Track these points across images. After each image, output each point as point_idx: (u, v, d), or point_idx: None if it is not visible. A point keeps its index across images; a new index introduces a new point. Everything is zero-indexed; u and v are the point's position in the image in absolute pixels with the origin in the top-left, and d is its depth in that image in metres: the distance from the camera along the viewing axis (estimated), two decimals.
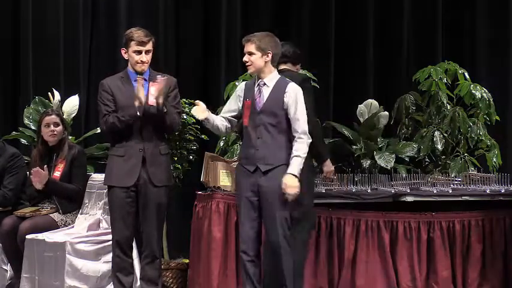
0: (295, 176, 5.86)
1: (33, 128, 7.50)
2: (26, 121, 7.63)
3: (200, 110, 6.01)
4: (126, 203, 6.03)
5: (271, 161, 5.91)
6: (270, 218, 5.91)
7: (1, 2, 8.37)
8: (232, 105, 6.13)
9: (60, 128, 6.90)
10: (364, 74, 9.26)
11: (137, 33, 6.06)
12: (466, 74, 7.92)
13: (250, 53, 5.97)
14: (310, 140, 5.99)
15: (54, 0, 8.45)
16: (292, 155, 5.89)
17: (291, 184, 5.85)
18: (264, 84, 6.00)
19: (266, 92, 5.99)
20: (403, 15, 9.36)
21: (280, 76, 6.08)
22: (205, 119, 6.01)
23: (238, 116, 6.11)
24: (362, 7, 9.28)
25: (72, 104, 7.63)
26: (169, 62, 8.64)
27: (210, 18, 8.91)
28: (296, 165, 5.87)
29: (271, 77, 6.02)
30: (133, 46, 6.04)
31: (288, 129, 5.95)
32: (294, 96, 5.96)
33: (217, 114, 7.40)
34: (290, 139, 5.95)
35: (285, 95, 5.95)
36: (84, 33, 8.53)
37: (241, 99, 6.05)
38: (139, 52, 6.04)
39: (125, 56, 6.10)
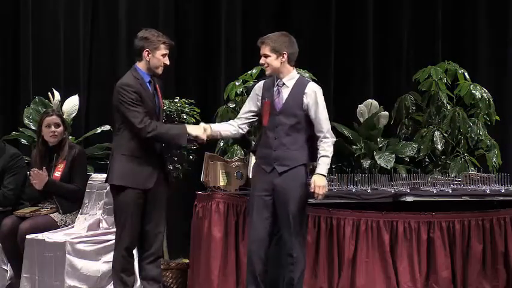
0: (324, 175, 5.89)
1: (33, 128, 7.50)
2: (26, 121, 7.63)
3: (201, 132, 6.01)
4: (139, 205, 5.96)
5: (287, 162, 5.93)
6: (284, 219, 5.92)
7: (1, 2, 8.37)
8: (252, 105, 6.12)
9: (61, 128, 6.90)
10: (364, 74, 9.27)
11: (164, 36, 6.05)
12: (466, 74, 7.92)
13: (266, 55, 5.99)
14: (335, 139, 6.02)
15: (54, 0, 8.45)
16: (319, 155, 5.92)
17: (319, 184, 5.87)
18: (283, 84, 6.01)
19: (285, 92, 5.99)
20: (403, 15, 9.36)
21: (299, 75, 6.09)
22: (210, 136, 6.01)
23: (259, 115, 6.11)
24: (362, 7, 9.28)
25: (72, 104, 7.63)
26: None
27: (210, 18, 8.91)
28: (324, 165, 5.90)
29: (290, 77, 6.02)
30: (163, 49, 6.01)
31: (307, 129, 5.97)
32: (314, 97, 5.97)
33: (217, 115, 7.44)
34: (308, 139, 5.97)
35: (304, 96, 5.97)
36: (84, 33, 8.53)
37: (260, 98, 6.04)
38: (166, 55, 6.04)
39: (147, 58, 6.00)
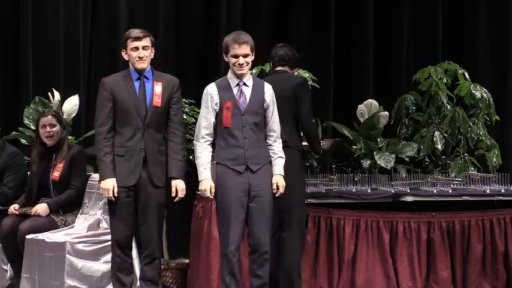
0: (283, 176, 5.99)
1: (33, 128, 7.49)
2: (26, 121, 7.62)
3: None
4: (126, 203, 6.03)
5: (259, 160, 5.96)
6: (260, 217, 5.94)
7: (1, 2, 8.37)
8: (213, 114, 5.99)
9: (56, 128, 6.90)
10: (364, 74, 9.27)
11: (133, 31, 6.14)
12: (466, 74, 7.92)
13: (247, 55, 5.97)
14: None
15: (54, 1, 8.45)
16: (276, 156, 6.01)
17: (283, 184, 5.98)
18: (244, 84, 6.01)
19: (247, 92, 5.99)
20: (403, 15, 9.36)
21: (251, 75, 6.12)
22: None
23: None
24: (362, 7, 9.28)
25: (72, 104, 7.63)
26: (168, 62, 8.64)
27: (210, 18, 8.91)
28: (282, 166, 6.01)
29: (249, 76, 6.05)
30: (130, 44, 6.08)
31: (264, 128, 6.02)
32: (272, 96, 6.05)
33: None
34: (264, 138, 6.03)
35: (265, 95, 6.02)
36: (84, 33, 8.53)
37: (217, 101, 5.96)
38: (136, 48, 6.07)
39: (125, 57, 6.14)
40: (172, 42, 8.80)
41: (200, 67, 8.88)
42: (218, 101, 5.96)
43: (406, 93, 8.00)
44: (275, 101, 6.05)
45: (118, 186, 6.00)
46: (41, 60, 8.38)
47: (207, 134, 5.99)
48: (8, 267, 6.94)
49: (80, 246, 6.57)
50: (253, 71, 7.44)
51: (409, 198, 7.03)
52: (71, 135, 7.49)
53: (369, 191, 7.04)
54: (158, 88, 6.08)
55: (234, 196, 5.91)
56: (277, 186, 5.95)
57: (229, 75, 6.02)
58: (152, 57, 6.16)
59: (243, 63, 5.96)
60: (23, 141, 7.64)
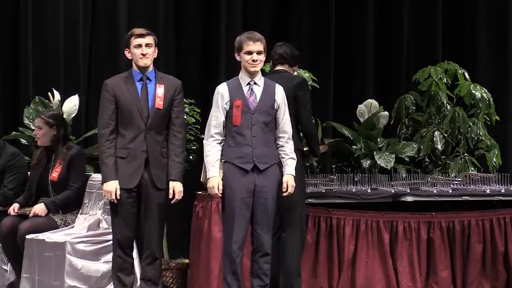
0: (294, 176, 6.01)
1: (33, 128, 7.50)
2: (26, 121, 7.63)
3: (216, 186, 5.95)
4: (128, 204, 6.02)
5: (266, 159, 5.96)
6: (263, 218, 5.95)
7: (1, 2, 8.38)
8: (223, 113, 6.00)
9: (41, 131, 6.89)
10: (364, 74, 9.27)
11: (136, 29, 6.14)
12: (466, 74, 7.92)
13: (260, 52, 6.00)
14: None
15: (54, 1, 8.45)
16: (287, 157, 6.03)
17: (292, 184, 6.00)
18: (255, 83, 6.03)
19: (258, 91, 6.01)
20: (403, 15, 9.37)
21: (263, 76, 6.13)
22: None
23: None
24: (362, 7, 9.29)
25: (72, 104, 7.62)
26: (169, 62, 8.64)
27: (210, 19, 8.91)
28: (293, 166, 6.02)
29: (260, 77, 6.06)
30: (133, 41, 6.08)
31: (274, 129, 6.03)
32: (283, 97, 6.07)
33: None
34: (275, 139, 6.04)
35: (276, 95, 6.03)
36: (84, 33, 8.53)
37: (228, 100, 5.98)
38: (139, 46, 6.06)
39: (128, 56, 6.11)
40: (172, 42, 8.80)
41: (200, 67, 8.88)
42: (228, 100, 5.99)
43: (406, 93, 8.00)
44: (285, 101, 6.07)
45: (120, 188, 5.99)
46: (41, 60, 8.38)
47: (216, 133, 6.00)
48: (8, 267, 6.94)
49: (80, 246, 6.57)
50: None
51: (409, 198, 7.03)
52: (71, 135, 7.48)
53: (369, 191, 7.04)
54: (160, 90, 6.07)
55: (239, 196, 5.92)
56: (286, 185, 5.97)
57: (240, 75, 6.05)
58: (155, 56, 6.16)
59: (257, 60, 5.98)
60: (23, 141, 7.65)
